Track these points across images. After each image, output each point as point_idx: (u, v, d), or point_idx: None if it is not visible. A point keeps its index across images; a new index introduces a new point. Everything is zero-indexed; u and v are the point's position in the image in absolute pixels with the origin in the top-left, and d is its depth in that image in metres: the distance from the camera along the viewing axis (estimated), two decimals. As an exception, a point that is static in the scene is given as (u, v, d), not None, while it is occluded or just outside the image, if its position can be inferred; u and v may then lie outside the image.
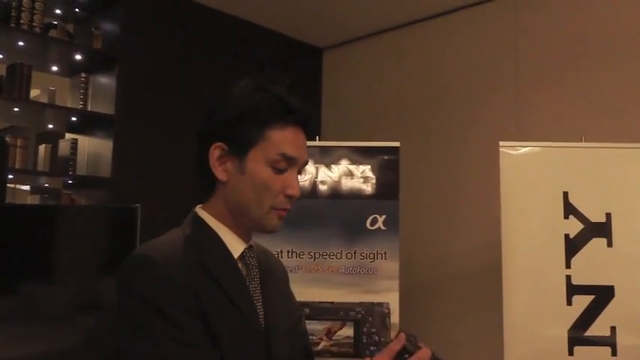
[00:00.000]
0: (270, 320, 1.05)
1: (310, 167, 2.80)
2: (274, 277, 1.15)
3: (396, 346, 0.94)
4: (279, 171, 1.03)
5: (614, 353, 2.46)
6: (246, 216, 1.04)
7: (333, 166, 2.81)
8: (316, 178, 2.80)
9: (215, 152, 1.05)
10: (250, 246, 1.10)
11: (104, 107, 3.31)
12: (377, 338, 2.58)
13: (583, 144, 2.66)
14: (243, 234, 1.08)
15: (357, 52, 4.26)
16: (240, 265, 1.07)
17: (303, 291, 2.63)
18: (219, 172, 1.05)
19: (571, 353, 2.47)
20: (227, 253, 1.05)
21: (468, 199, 3.47)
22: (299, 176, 1.09)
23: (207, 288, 0.97)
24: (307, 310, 2.60)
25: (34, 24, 3.05)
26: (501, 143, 2.63)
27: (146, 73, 3.46)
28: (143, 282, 0.94)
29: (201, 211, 1.09)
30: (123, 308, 0.95)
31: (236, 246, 1.07)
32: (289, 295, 1.22)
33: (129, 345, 0.93)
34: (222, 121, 1.05)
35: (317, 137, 2.97)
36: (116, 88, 3.27)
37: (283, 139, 1.03)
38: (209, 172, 1.05)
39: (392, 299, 2.66)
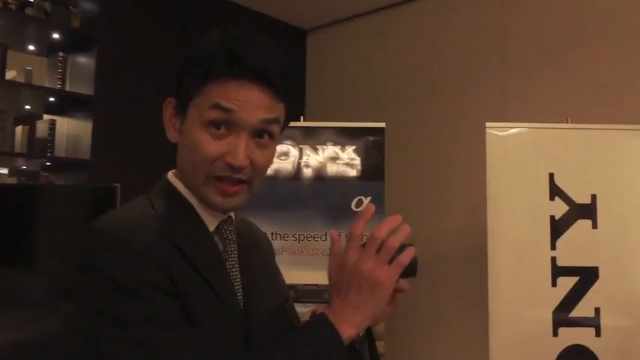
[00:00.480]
0: (251, 301, 0.94)
1: (294, 148, 2.76)
2: (257, 252, 1.03)
3: (334, 248, 0.88)
4: (219, 134, 0.87)
5: (597, 334, 2.47)
6: (190, 185, 0.92)
7: (317, 146, 2.77)
8: (300, 159, 2.76)
9: (167, 109, 0.94)
10: (229, 217, 0.97)
11: (83, 88, 3.22)
12: (362, 320, 2.55)
13: (569, 125, 2.65)
14: None
15: (342, 33, 4.20)
16: (216, 239, 0.94)
17: (288, 273, 2.56)
18: (169, 132, 0.94)
19: (555, 334, 2.47)
20: (201, 225, 0.93)
21: (454, 181, 3.45)
22: (266, 149, 0.91)
23: (179, 266, 0.85)
24: (292, 293, 2.57)
25: (9, 1, 2.95)
26: (488, 124, 2.61)
27: (126, 53, 3.37)
28: (109, 259, 0.81)
29: (172, 178, 0.96)
30: (87, 290, 0.82)
31: (211, 217, 0.94)
32: (275, 271, 1.10)
33: (98, 333, 0.79)
34: (176, 73, 0.92)
35: (301, 118, 2.92)
36: (95, 68, 3.19)
37: (221, 91, 0.86)
38: None
39: (377, 281, 2.63)
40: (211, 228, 0.94)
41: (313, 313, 0.98)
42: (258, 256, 1.02)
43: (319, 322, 0.84)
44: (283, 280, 1.13)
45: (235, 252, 0.96)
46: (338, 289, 0.86)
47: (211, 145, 0.87)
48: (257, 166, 0.90)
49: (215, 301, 0.87)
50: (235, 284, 0.94)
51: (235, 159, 0.87)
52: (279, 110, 0.92)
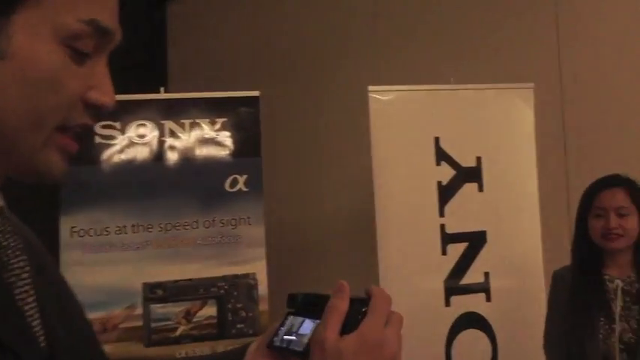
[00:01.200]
0: (55, 335, 0.59)
1: (153, 126, 2.38)
2: (41, 259, 0.66)
3: (343, 305, 0.63)
4: (81, 57, 0.54)
5: (488, 299, 2.47)
6: (7, 144, 0.53)
7: (183, 121, 2.43)
8: (163, 136, 2.40)
9: None
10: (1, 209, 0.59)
11: None
12: (244, 314, 2.30)
13: (452, 86, 2.56)
14: None
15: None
16: None
17: (155, 271, 2.26)
18: None
19: (448, 304, 2.45)
20: None
21: (337, 151, 3.32)
22: None
23: None
24: (160, 292, 2.24)
25: None
26: (370, 88, 2.47)
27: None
28: None
29: None
30: None
31: None
32: (66, 284, 0.72)
33: None
34: None
35: (161, 89, 2.54)
36: None
37: None
38: None
39: (259, 269, 2.37)
40: None
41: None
42: (44, 266, 0.65)
43: None
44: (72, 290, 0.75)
45: (27, 268, 0.59)
46: None
47: (74, 76, 0.53)
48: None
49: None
50: (34, 323, 0.57)
51: (107, 96, 0.56)
52: None
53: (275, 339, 0.71)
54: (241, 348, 0.75)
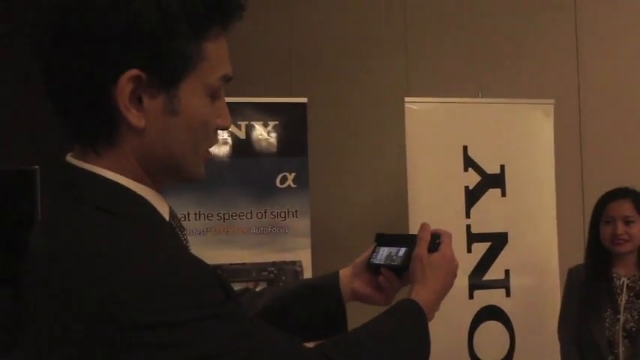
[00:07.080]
0: None
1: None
2: None
3: (428, 236, 0.99)
4: (214, 99, 0.75)
5: (507, 294, 2.65)
6: (177, 170, 0.75)
7: (239, 122, 2.68)
8: (222, 136, 2.66)
9: (127, 87, 0.67)
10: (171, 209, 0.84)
11: None
12: (291, 296, 2.54)
13: (480, 99, 2.78)
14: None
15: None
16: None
17: (214, 253, 2.51)
18: (135, 117, 0.68)
19: (471, 297, 2.61)
20: (168, 225, 0.76)
21: (374, 154, 3.47)
22: None
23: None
24: (219, 273, 2.49)
25: None
26: (406, 99, 2.66)
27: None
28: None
29: (104, 171, 0.71)
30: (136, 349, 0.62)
31: (163, 205, 0.76)
32: None
33: None
34: (135, 31, 0.65)
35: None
36: None
37: (220, 53, 0.73)
38: (112, 117, 0.68)
39: (304, 257, 2.62)
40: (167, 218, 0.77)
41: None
42: None
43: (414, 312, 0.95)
44: None
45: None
46: (438, 276, 0.99)
47: (212, 116, 0.75)
48: None
49: None
50: None
51: (227, 121, 0.78)
52: None
53: (373, 260, 0.99)
54: (330, 275, 1.07)
